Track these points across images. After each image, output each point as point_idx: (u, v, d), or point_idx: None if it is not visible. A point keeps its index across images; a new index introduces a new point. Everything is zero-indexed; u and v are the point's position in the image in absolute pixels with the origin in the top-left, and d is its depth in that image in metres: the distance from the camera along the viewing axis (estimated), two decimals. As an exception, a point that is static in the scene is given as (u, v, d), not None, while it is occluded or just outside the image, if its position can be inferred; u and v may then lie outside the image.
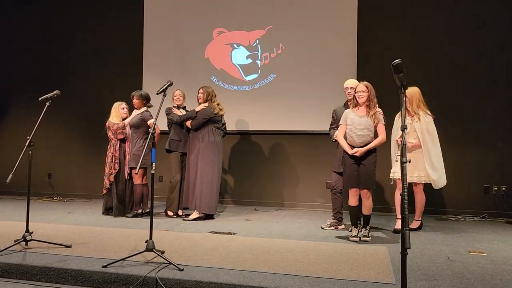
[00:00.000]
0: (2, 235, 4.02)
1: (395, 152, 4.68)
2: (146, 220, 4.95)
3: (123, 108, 5.57)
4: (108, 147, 5.47)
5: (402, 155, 2.31)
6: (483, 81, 5.93)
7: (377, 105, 4.23)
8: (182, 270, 2.94)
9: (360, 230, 4.14)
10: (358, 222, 4.21)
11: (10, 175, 3.46)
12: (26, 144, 3.61)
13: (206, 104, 5.25)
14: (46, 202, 6.85)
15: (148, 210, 5.42)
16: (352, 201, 4.17)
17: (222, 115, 5.42)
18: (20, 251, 3.44)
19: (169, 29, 7.14)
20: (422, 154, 4.51)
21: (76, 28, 7.68)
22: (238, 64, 6.83)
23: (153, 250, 3.17)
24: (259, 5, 6.74)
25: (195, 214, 5.16)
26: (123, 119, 5.53)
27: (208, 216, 5.22)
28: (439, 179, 4.54)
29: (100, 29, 7.57)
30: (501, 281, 2.84)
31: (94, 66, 7.56)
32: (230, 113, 5.95)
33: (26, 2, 7.93)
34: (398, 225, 4.61)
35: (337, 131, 4.38)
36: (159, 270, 2.93)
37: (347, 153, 4.13)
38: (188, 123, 5.29)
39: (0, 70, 8.02)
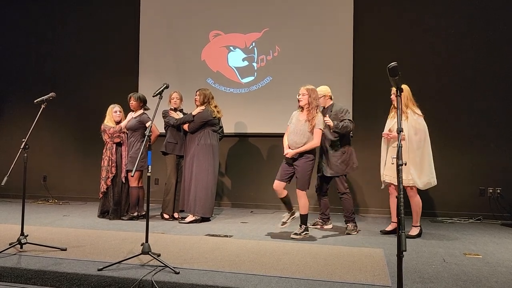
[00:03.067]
0: (-4, 238, 3.99)
1: (384, 153, 4.53)
2: (142, 223, 4.96)
3: (115, 112, 5.52)
4: (104, 150, 5.45)
5: (399, 157, 2.32)
6: (479, 84, 5.96)
7: (317, 109, 4.38)
8: (178, 273, 2.93)
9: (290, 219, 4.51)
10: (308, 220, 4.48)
11: (5, 178, 3.45)
12: (22, 147, 3.59)
13: (203, 107, 5.24)
14: (41, 205, 6.81)
15: (144, 213, 5.41)
16: (278, 193, 4.44)
17: (219, 118, 5.42)
18: (15, 254, 3.41)
19: (165, 32, 7.14)
20: (407, 154, 4.24)
21: (71, 30, 7.66)
22: (234, 67, 6.83)
23: (149, 253, 3.16)
24: (255, 8, 6.76)
25: (190, 217, 5.15)
26: (117, 123, 5.51)
27: (204, 219, 5.21)
28: (424, 179, 4.30)
29: (96, 31, 7.55)
30: (497, 283, 2.85)
31: (90, 69, 7.54)
32: (227, 116, 5.94)
33: (21, 2, 7.90)
34: (390, 227, 4.59)
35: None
36: (155, 273, 2.92)
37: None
38: (185, 126, 5.29)
39: (-5, 72, 8.01)
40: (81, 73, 7.57)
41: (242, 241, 4.09)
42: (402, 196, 2.25)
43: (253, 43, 6.76)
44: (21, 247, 3.53)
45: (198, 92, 5.34)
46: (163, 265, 3.05)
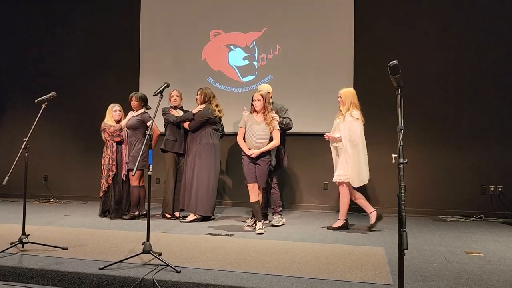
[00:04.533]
0: (-2, 238, 4.00)
1: (334, 154, 4.79)
2: (143, 222, 4.96)
3: (115, 111, 5.52)
4: (105, 149, 5.45)
5: (400, 156, 2.31)
6: (480, 82, 5.95)
7: (273, 110, 4.76)
8: (180, 272, 2.93)
9: (255, 223, 4.64)
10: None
11: (6, 178, 3.45)
12: (22, 147, 3.59)
13: (204, 106, 5.24)
14: (43, 204, 6.82)
15: (145, 212, 5.42)
16: (252, 197, 4.60)
17: (220, 117, 5.41)
18: (16, 253, 3.42)
19: (166, 31, 7.14)
20: (345, 154, 4.59)
21: (72, 30, 7.66)
22: (235, 66, 6.83)
23: (150, 252, 3.16)
24: (255, 7, 6.75)
25: (192, 216, 5.15)
26: (117, 122, 5.51)
27: (205, 218, 5.21)
28: (360, 177, 4.56)
29: (96, 31, 7.55)
30: (498, 282, 2.85)
31: (91, 68, 7.54)
32: (228, 115, 5.94)
33: (23, 2, 7.90)
34: (337, 224, 4.77)
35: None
36: (156, 272, 2.92)
37: (245, 153, 4.63)
38: (186, 125, 5.29)
39: (-4, 72, 8.01)
40: (82, 72, 7.57)
41: (243, 240, 4.09)
42: (403, 194, 2.24)
43: (254, 42, 6.75)
44: (23, 247, 3.53)
45: (199, 91, 5.34)
46: (164, 264, 3.05)
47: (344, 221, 4.75)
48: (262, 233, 4.41)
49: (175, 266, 2.99)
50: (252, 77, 6.75)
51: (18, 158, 3.60)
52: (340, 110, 4.72)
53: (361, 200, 4.73)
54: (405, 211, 2.22)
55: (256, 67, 6.74)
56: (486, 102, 5.91)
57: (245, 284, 2.71)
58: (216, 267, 3.06)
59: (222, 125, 5.61)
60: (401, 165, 2.29)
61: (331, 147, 4.81)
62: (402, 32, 6.23)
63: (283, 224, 5.00)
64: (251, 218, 4.80)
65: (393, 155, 2.35)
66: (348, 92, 4.71)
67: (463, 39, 6.02)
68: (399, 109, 2.45)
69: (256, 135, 4.58)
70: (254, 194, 4.59)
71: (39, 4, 7.83)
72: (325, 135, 4.76)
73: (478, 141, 5.91)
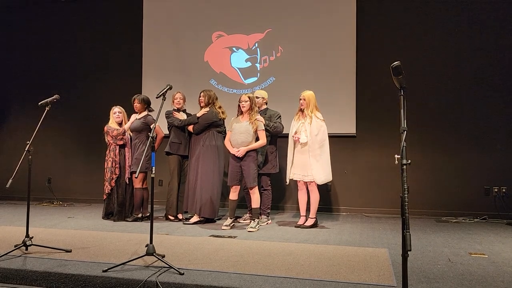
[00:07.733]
0: (2, 240, 4.01)
1: (291, 153, 4.93)
2: (146, 224, 4.95)
3: (115, 113, 5.53)
4: (108, 151, 5.46)
5: (402, 157, 2.31)
6: (484, 82, 5.93)
7: (258, 113, 4.98)
8: (183, 274, 2.93)
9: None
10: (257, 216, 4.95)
11: (10, 180, 3.46)
12: (26, 149, 3.61)
13: (207, 109, 5.25)
14: (46, 207, 6.84)
15: (148, 214, 5.42)
16: (232, 196, 4.90)
17: (223, 119, 5.42)
18: (20, 256, 3.43)
19: (168, 33, 7.16)
20: (310, 153, 4.77)
21: (75, 32, 7.69)
22: (237, 67, 6.84)
23: (154, 254, 3.17)
24: (258, 8, 6.76)
25: (195, 218, 5.15)
26: (118, 124, 5.52)
27: (208, 220, 5.21)
28: (323, 176, 4.77)
29: (99, 34, 7.57)
30: (503, 283, 2.83)
31: (94, 70, 7.56)
32: (230, 116, 5.95)
33: (25, 5, 7.94)
34: (301, 221, 4.99)
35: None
36: (159, 274, 2.92)
37: (231, 154, 4.85)
38: (190, 128, 5.30)
39: (-1, 75, 8.05)
40: (85, 75, 7.59)
41: (247, 241, 4.09)
42: (406, 195, 2.24)
43: (256, 44, 6.76)
44: (26, 249, 3.55)
45: (202, 94, 5.34)
46: (168, 266, 3.05)
47: (315, 219, 4.93)
48: (226, 229, 4.72)
49: (178, 268, 3.00)
50: (254, 79, 6.75)
51: (22, 161, 3.61)
52: (301, 111, 4.94)
53: (303, 200, 4.98)
54: (409, 212, 2.22)
55: (258, 69, 6.75)
56: (488, 102, 5.89)
57: (249, 286, 2.71)
58: (219, 269, 3.06)
59: (225, 127, 5.61)
60: (404, 166, 2.29)
61: (290, 146, 4.94)
62: (404, 34, 6.22)
63: (266, 224, 5.18)
64: (230, 218, 4.90)
65: (396, 156, 2.35)
66: (311, 95, 4.93)
67: (464, 39, 6.01)
68: (402, 110, 2.45)
69: (238, 133, 4.80)
70: (235, 194, 4.88)
71: (41, 6, 7.86)
72: (295, 138, 4.86)
73: (482, 141, 5.89)
